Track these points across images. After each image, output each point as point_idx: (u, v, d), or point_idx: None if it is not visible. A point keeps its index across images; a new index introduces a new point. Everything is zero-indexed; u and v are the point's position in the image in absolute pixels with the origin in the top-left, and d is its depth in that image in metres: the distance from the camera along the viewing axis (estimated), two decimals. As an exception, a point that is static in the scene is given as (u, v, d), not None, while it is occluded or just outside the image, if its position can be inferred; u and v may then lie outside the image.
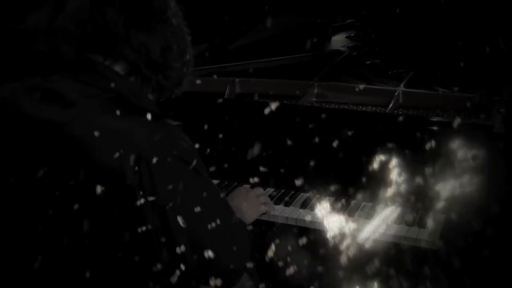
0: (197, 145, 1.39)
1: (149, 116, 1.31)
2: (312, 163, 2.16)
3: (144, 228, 1.27)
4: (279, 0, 3.15)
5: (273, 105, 2.05)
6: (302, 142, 2.16)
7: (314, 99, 2.35)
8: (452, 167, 1.86)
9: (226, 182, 2.27)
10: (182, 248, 1.31)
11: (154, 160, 1.24)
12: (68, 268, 1.33)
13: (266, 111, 2.06)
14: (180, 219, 1.29)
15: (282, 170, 2.21)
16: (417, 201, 1.98)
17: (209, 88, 2.48)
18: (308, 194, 2.16)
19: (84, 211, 1.27)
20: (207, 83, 2.51)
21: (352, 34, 3.06)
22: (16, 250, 1.36)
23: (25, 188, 1.32)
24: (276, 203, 2.11)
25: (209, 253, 1.35)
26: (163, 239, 1.30)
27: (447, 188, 1.89)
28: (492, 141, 1.83)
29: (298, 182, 2.19)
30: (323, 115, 2.18)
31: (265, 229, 2.09)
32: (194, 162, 1.32)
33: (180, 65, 1.42)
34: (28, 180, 1.31)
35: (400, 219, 1.95)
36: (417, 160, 1.94)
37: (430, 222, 1.92)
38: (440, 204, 1.94)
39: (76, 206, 1.27)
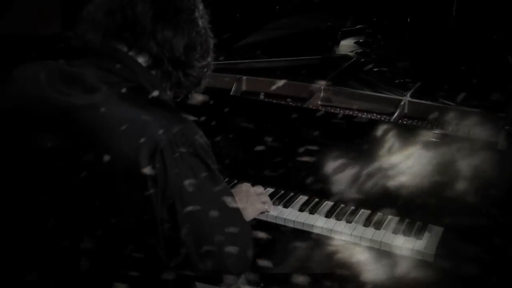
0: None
1: (167, 109, 1.33)
2: (313, 166, 2.17)
3: (150, 218, 1.28)
4: (290, 0, 3.15)
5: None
6: (304, 144, 2.16)
7: (320, 102, 2.35)
8: (454, 180, 1.86)
9: (227, 179, 2.28)
10: (187, 241, 1.32)
11: (169, 152, 1.26)
12: (70, 251, 1.33)
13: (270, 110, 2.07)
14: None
15: (282, 171, 2.21)
16: (416, 212, 1.98)
17: (215, 84, 2.48)
18: (307, 197, 2.17)
19: (94, 196, 1.29)
20: (213, 79, 2.50)
21: (361, 40, 3.07)
22: (27, 229, 1.37)
23: (38, 167, 1.33)
24: (275, 203, 2.12)
25: (213, 248, 1.35)
26: (168, 231, 1.31)
27: (447, 201, 1.90)
28: (495, 158, 1.83)
29: (298, 184, 2.20)
30: (328, 119, 2.19)
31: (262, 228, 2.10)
32: (208, 158, 1.34)
33: (201, 65, 1.45)
34: (42, 159, 1.32)
35: (398, 229, 1.96)
36: (418, 171, 1.94)
37: (427, 234, 1.93)
38: (439, 217, 1.95)
39: (87, 190, 1.29)
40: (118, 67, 1.36)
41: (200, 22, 1.43)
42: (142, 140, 1.25)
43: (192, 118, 1.33)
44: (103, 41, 1.38)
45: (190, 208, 1.30)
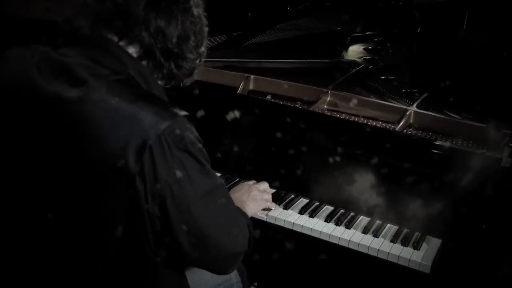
0: (203, 136, 1.38)
1: (157, 103, 1.29)
2: (315, 170, 2.17)
3: (137, 214, 1.26)
4: (302, 2, 3.16)
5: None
6: (308, 147, 2.17)
7: (326, 106, 2.36)
8: (455, 194, 1.87)
9: (229, 176, 2.28)
10: (180, 235, 1.31)
11: (159, 149, 1.23)
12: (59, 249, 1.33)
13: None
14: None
15: (284, 172, 2.22)
16: (415, 222, 1.99)
17: (223, 81, 2.49)
18: (307, 200, 2.17)
19: (79, 191, 1.27)
20: (221, 75, 2.52)
21: (370, 47, 3.07)
22: (19, 226, 1.36)
23: (20, 155, 1.31)
24: (276, 204, 2.12)
25: (207, 243, 1.35)
26: (160, 227, 1.29)
27: (446, 213, 1.91)
28: (498, 174, 1.84)
29: (299, 187, 2.20)
30: (333, 124, 2.20)
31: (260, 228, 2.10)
32: (199, 153, 1.30)
33: (194, 56, 1.41)
34: (25, 148, 1.30)
35: (396, 238, 1.96)
36: (419, 182, 1.95)
37: (425, 245, 1.94)
38: (438, 229, 1.95)
39: (72, 184, 1.26)
40: (107, 58, 1.31)
41: (195, 11, 1.38)
42: (130, 136, 1.21)
43: (183, 113, 1.29)
44: (93, 29, 1.33)
45: (181, 204, 1.28)
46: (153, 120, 1.23)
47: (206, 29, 1.44)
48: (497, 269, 1.79)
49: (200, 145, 1.31)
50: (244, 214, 1.65)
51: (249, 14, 2.90)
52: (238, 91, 2.42)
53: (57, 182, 1.28)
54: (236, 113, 2.17)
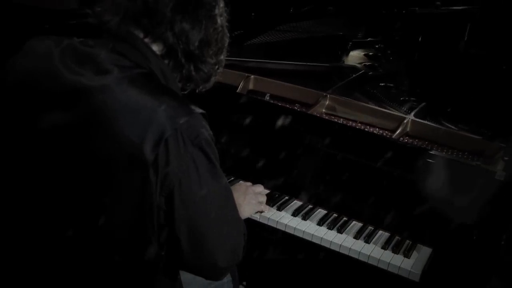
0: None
1: (176, 99, 1.32)
2: (310, 173, 2.18)
3: (148, 206, 1.28)
4: (305, 4, 3.16)
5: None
6: (303, 150, 2.17)
7: (324, 110, 2.37)
8: (448, 204, 1.88)
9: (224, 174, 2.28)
10: (181, 231, 1.32)
11: (174, 143, 1.26)
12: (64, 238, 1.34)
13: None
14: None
15: (278, 173, 2.22)
16: (407, 230, 2.00)
17: (223, 79, 2.47)
18: (301, 203, 2.18)
19: (97, 179, 1.29)
20: (221, 73, 2.51)
21: (371, 53, 3.08)
22: (28, 214, 1.38)
23: (41, 144, 1.33)
24: (269, 205, 2.13)
25: (205, 240, 1.36)
26: (164, 219, 1.32)
27: (438, 223, 1.92)
28: (492, 187, 1.85)
29: (293, 189, 2.21)
30: (330, 128, 2.20)
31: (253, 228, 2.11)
32: (211, 152, 1.34)
33: (213, 62, 1.45)
34: (46, 136, 1.32)
35: (387, 245, 1.97)
36: (413, 190, 1.96)
37: (416, 254, 1.95)
38: (429, 238, 1.97)
39: (88, 172, 1.29)
40: (132, 52, 1.36)
41: (218, 20, 1.43)
42: (148, 127, 1.25)
43: (199, 110, 1.33)
44: (121, 24, 1.38)
45: (187, 199, 1.30)
46: (172, 113, 1.27)
47: (227, 39, 1.49)
48: (486, 281, 1.80)
49: (212, 144, 1.35)
50: (242, 222, 1.66)
51: (252, 14, 2.91)
52: (238, 90, 2.42)
53: (75, 169, 1.30)
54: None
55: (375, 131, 2.24)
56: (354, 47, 3.11)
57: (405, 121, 2.24)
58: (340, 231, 2.04)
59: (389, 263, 1.90)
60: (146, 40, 1.38)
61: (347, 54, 3.05)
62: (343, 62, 2.98)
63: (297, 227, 2.05)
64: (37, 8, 2.98)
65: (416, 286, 1.86)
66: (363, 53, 3.10)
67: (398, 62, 2.99)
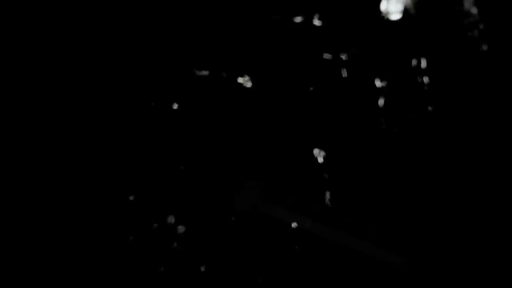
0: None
1: None
2: (299, 164, 2.17)
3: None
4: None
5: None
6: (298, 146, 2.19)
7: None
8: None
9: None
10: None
11: None
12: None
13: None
14: None
15: (273, 167, 2.19)
16: (396, 220, 2.01)
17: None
18: (295, 196, 2.16)
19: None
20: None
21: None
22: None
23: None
24: (265, 199, 2.14)
25: None
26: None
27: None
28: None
29: (286, 181, 2.17)
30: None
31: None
32: None
33: None
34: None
35: (376, 236, 1.98)
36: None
37: (404, 246, 1.96)
38: (418, 229, 1.98)
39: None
40: None
41: None
42: None
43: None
44: None
45: None
46: None
47: None
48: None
49: None
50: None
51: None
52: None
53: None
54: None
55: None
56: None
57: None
58: (334, 226, 2.02)
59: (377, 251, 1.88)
60: None
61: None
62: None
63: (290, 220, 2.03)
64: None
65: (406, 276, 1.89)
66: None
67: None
